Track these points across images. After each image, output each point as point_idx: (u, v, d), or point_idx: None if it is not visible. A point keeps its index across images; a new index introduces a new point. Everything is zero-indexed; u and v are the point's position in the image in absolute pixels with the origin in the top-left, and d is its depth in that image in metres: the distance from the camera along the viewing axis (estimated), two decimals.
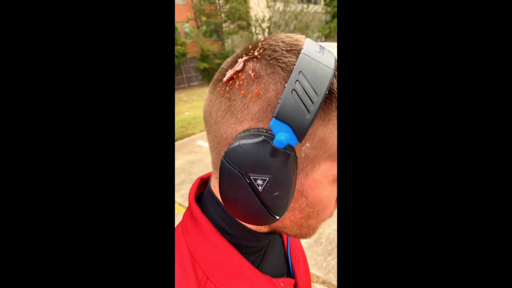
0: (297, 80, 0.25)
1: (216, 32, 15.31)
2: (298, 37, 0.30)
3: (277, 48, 0.28)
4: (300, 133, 0.25)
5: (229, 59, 0.31)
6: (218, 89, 0.29)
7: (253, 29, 14.25)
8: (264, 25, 14.03)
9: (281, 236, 0.45)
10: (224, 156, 0.26)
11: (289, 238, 0.45)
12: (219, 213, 0.34)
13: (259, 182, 0.26)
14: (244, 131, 0.27)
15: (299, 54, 0.27)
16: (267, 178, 0.26)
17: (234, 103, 0.27)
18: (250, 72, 0.27)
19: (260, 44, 0.29)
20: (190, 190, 0.37)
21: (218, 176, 0.32)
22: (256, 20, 13.88)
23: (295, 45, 0.28)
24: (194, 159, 4.11)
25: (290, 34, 0.30)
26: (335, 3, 16.15)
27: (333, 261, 1.95)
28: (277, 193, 0.27)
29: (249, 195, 0.27)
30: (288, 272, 0.42)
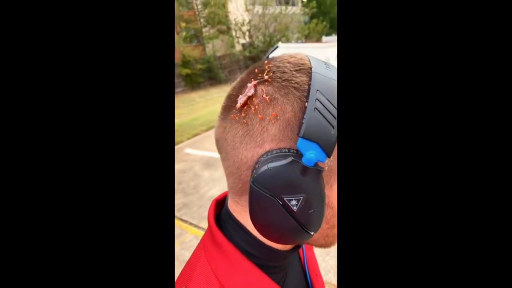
0: (317, 99, 0.26)
1: (196, 38, 15.21)
2: (301, 56, 0.31)
3: (285, 69, 0.29)
4: (328, 148, 0.25)
5: (235, 85, 0.31)
6: (232, 116, 0.29)
7: (234, 33, 14.28)
8: (244, 28, 14.09)
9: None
10: (253, 181, 0.27)
11: (304, 253, 0.45)
12: (241, 236, 0.34)
13: (293, 202, 0.27)
14: (266, 154, 0.27)
15: (308, 73, 0.28)
16: (301, 198, 0.26)
17: (252, 127, 0.28)
18: (264, 96, 0.28)
19: (266, 67, 0.29)
20: (209, 213, 0.37)
21: (237, 200, 0.32)
22: (236, 24, 13.92)
23: (302, 64, 0.29)
24: (183, 168, 4.06)
25: (292, 54, 0.31)
26: (312, 4, 16.43)
27: (331, 261, 1.97)
28: (312, 210, 0.27)
29: (284, 217, 0.27)
30: (307, 286, 0.42)
